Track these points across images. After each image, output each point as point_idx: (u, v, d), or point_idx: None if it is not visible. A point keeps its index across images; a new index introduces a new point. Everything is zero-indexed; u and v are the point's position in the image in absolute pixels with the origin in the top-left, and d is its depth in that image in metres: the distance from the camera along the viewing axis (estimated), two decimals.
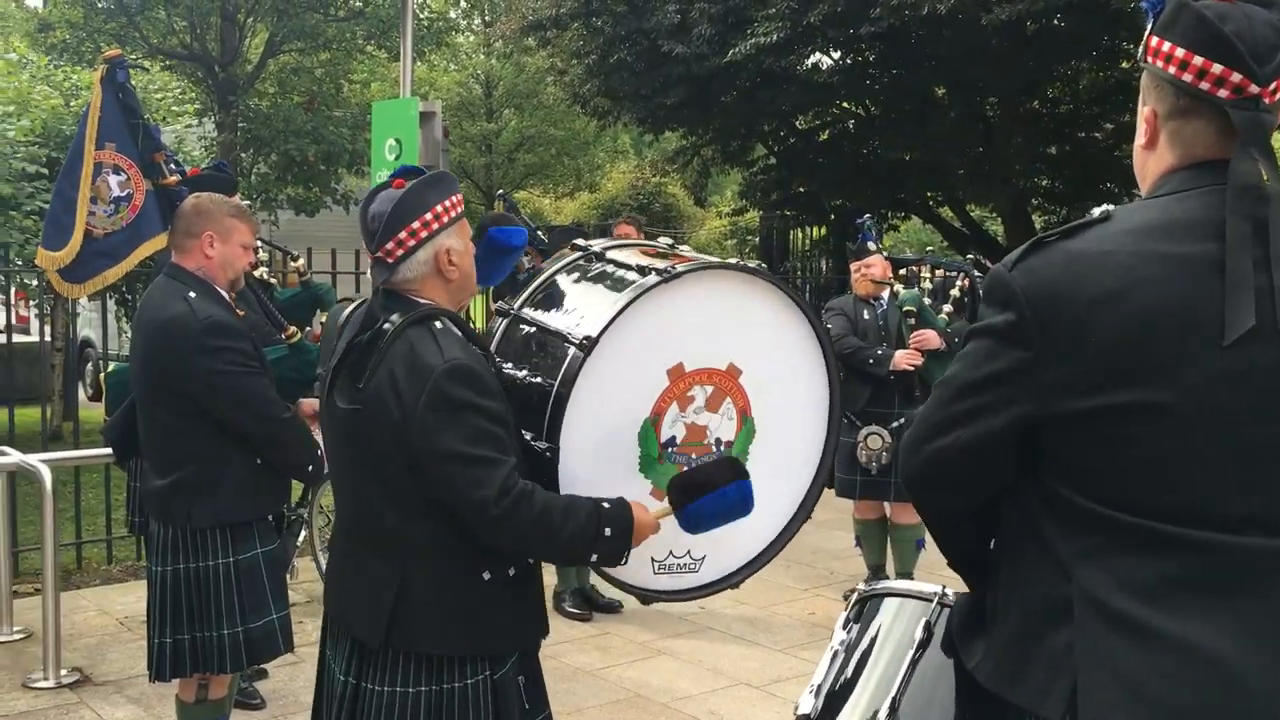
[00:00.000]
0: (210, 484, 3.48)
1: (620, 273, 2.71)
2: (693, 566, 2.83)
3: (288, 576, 4.27)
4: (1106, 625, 1.60)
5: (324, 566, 6.06)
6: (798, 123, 15.43)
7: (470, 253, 2.56)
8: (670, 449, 2.67)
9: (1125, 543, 1.61)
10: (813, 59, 13.83)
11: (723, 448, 2.74)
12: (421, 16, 15.38)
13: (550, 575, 6.19)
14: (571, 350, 2.51)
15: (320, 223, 15.16)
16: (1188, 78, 1.63)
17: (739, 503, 2.55)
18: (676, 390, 2.68)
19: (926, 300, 6.31)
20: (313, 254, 6.39)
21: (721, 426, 2.74)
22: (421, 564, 2.38)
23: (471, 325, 2.67)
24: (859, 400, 6.04)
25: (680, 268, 2.60)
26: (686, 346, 2.68)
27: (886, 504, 6.20)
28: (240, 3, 14.31)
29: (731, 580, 2.89)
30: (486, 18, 25.32)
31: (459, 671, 2.39)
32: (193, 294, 3.49)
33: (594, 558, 2.43)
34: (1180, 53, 1.63)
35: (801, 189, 15.00)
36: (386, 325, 2.41)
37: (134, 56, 13.04)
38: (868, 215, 6.64)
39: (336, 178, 15.13)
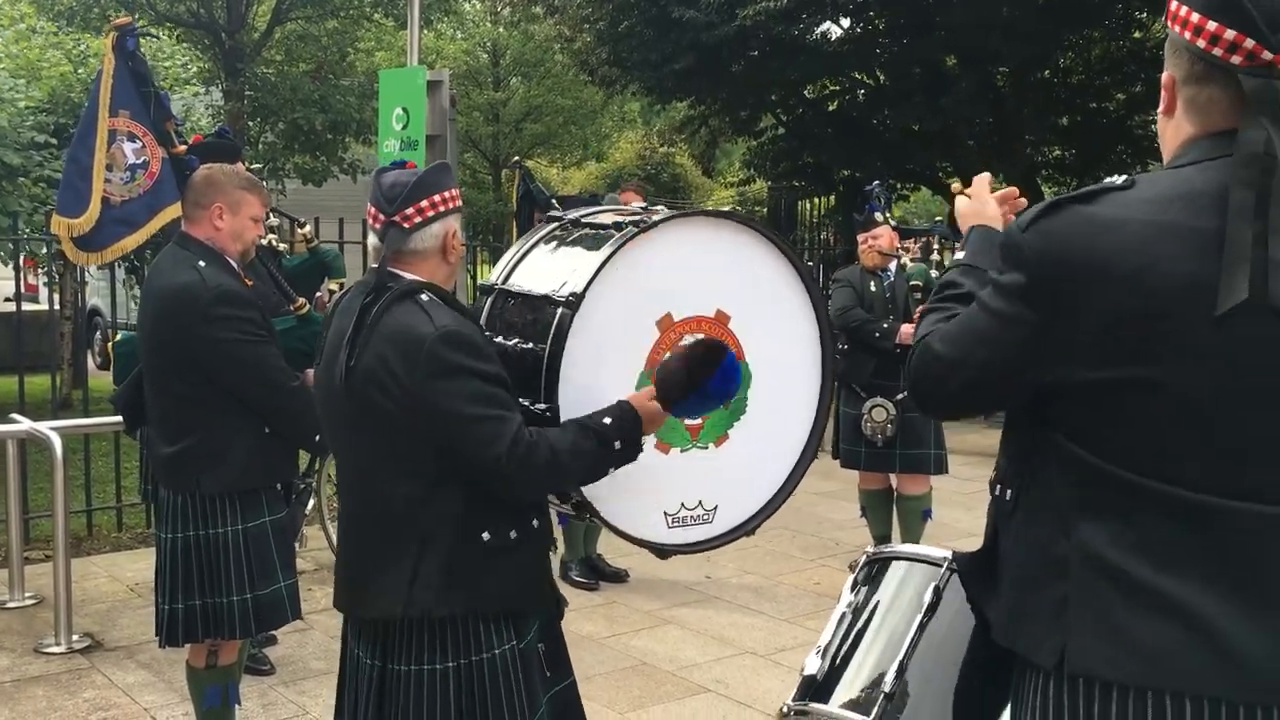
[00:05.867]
0: (219, 452, 3.49)
1: (597, 232, 2.73)
2: (706, 518, 2.85)
3: (296, 545, 4.30)
4: (1103, 579, 1.62)
5: (333, 536, 6.12)
6: (807, 92, 15.36)
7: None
8: None
9: (1128, 500, 1.62)
10: (822, 27, 13.76)
11: None
12: None
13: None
14: (559, 310, 2.54)
15: (328, 192, 15.14)
16: (1202, 43, 1.61)
17: (722, 385, 2.56)
18: (668, 341, 2.70)
19: (934, 274, 6.29)
20: (320, 223, 6.39)
21: None
22: (436, 536, 2.40)
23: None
24: (864, 372, 6.04)
25: (655, 218, 2.64)
26: (672, 297, 2.70)
27: (892, 475, 6.21)
28: None
29: (746, 528, 2.89)
30: None
31: (485, 643, 2.42)
32: (202, 263, 3.49)
33: (612, 469, 2.48)
34: (1196, 18, 1.61)
35: (810, 159, 14.95)
36: (375, 305, 2.44)
37: (141, 23, 12.98)
38: (876, 183, 6.59)
39: (344, 147, 15.10)
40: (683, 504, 2.81)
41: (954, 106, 12.43)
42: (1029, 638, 1.70)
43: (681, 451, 2.77)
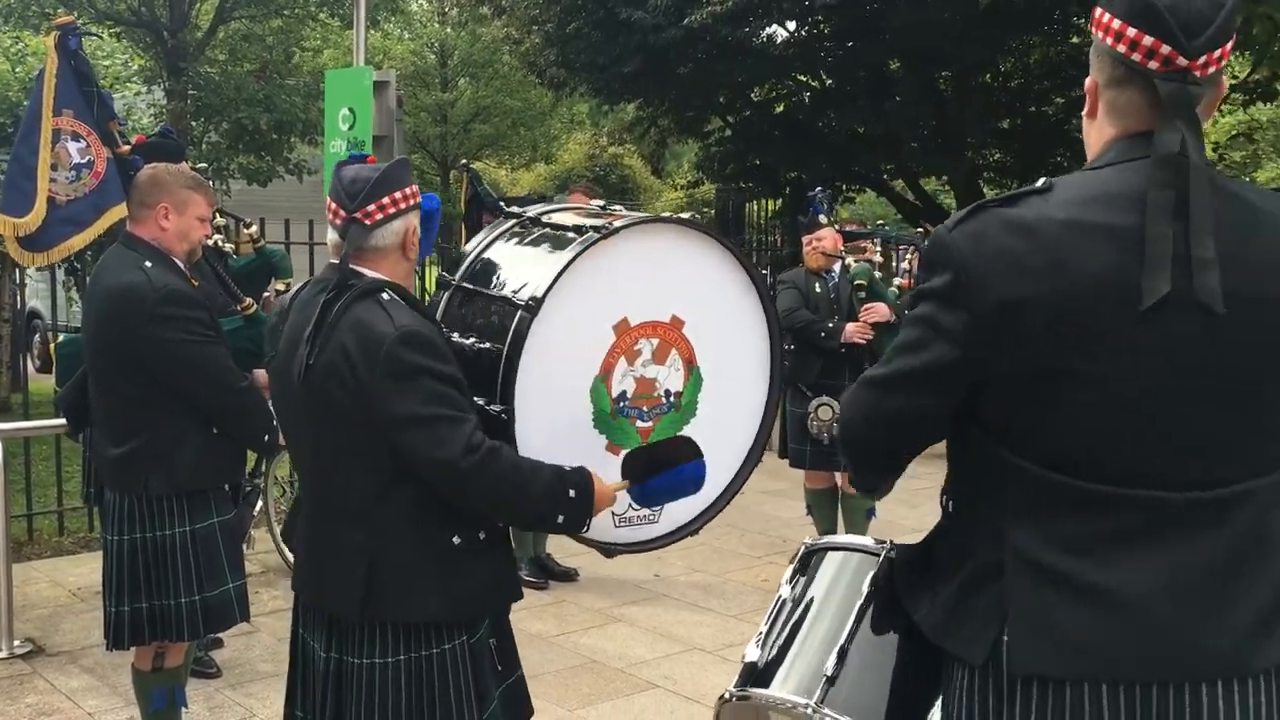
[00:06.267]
0: (166, 453, 3.48)
1: (558, 234, 2.76)
2: (652, 518, 2.90)
3: (245, 547, 4.29)
4: (1038, 580, 1.68)
5: (280, 537, 6.08)
6: (754, 95, 15.47)
7: None
8: (622, 404, 2.74)
9: (1060, 501, 1.68)
10: (769, 30, 13.88)
11: (672, 398, 2.81)
12: None
13: None
14: (518, 313, 2.57)
15: (273, 192, 14.98)
16: (1121, 48, 1.67)
17: (692, 481, 2.65)
18: (623, 345, 2.75)
19: (877, 274, 6.39)
20: (265, 224, 6.35)
21: (670, 378, 2.81)
22: (393, 534, 2.42)
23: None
24: (811, 372, 6.12)
25: (617, 224, 2.67)
26: (629, 301, 2.74)
27: (837, 474, 6.30)
28: None
29: (690, 528, 2.95)
30: None
31: (436, 638, 2.45)
32: (148, 263, 3.48)
33: (560, 519, 2.48)
34: (1117, 24, 1.68)
35: (757, 161, 15.06)
36: (336, 302, 2.45)
37: (81, 21, 12.77)
38: (820, 188, 6.70)
39: (289, 147, 14.97)
40: (630, 504, 2.85)
41: (897, 110, 12.59)
42: (961, 638, 1.75)
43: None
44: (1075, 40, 13.96)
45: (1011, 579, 1.70)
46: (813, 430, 6.09)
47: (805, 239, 6.39)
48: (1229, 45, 1.66)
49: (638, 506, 2.87)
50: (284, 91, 14.16)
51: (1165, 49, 1.64)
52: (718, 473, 2.96)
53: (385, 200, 2.49)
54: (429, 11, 25.76)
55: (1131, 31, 1.66)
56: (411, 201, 2.55)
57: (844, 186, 15.49)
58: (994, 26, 12.23)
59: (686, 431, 2.88)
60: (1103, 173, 1.71)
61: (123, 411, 3.53)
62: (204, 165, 12.56)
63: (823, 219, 6.33)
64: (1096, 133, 1.78)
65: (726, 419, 2.93)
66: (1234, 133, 16.43)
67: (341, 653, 2.47)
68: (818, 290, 6.24)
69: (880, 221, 14.48)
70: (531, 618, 5.59)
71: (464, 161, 7.23)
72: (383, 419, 2.35)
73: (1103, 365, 1.63)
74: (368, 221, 2.48)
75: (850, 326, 6.02)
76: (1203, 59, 1.64)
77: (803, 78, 14.94)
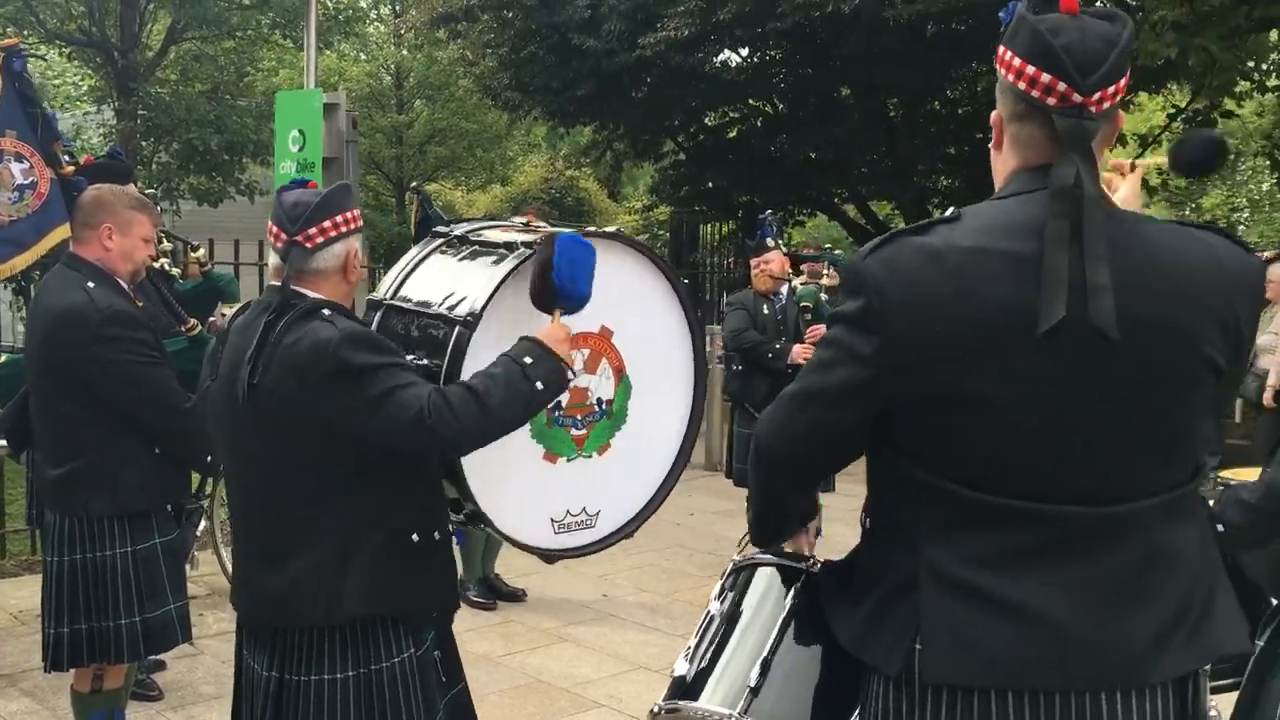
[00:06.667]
0: (108, 474, 3.48)
1: (489, 250, 2.83)
2: (589, 523, 2.98)
3: (188, 568, 4.28)
4: (949, 594, 1.75)
5: (225, 558, 6.05)
6: (707, 119, 15.65)
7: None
8: (557, 413, 2.82)
9: (969, 517, 1.76)
10: (721, 56, 14.06)
11: (604, 405, 2.92)
12: (329, 5, 15.19)
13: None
14: (456, 328, 2.63)
15: (224, 213, 14.92)
16: (1022, 85, 1.76)
17: (574, 253, 2.58)
18: None
19: (823, 296, 6.50)
20: (215, 245, 6.35)
21: (601, 386, 2.91)
22: (352, 535, 2.45)
23: None
24: (758, 393, 6.21)
25: (542, 241, 2.74)
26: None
27: None
28: None
29: (626, 530, 3.05)
30: (396, 7, 25.08)
31: (384, 652, 2.48)
32: (91, 284, 3.48)
33: (540, 387, 2.48)
34: (1018, 62, 1.77)
35: (710, 184, 15.23)
36: (279, 322, 2.49)
37: (30, 41, 12.70)
38: (769, 212, 6.83)
39: (241, 168, 14.94)
40: (568, 510, 2.93)
41: (848, 136, 12.79)
42: (878, 649, 1.82)
43: (568, 461, 2.89)
44: None
45: (925, 592, 1.77)
46: None
47: (753, 262, 6.50)
48: (1122, 82, 1.75)
49: (575, 511, 2.93)
50: (235, 112, 14.14)
51: (1062, 86, 1.72)
52: (649, 476, 3.08)
53: (326, 224, 2.54)
54: (385, 34, 25.78)
55: (1031, 69, 1.74)
56: (353, 225, 2.61)
57: (796, 210, 15.69)
58: (941, 55, 12.49)
59: (619, 438, 2.97)
60: (1006, 203, 1.80)
61: (66, 432, 3.52)
62: (152, 190, 12.50)
63: (770, 242, 6.44)
64: (1001, 164, 1.87)
65: (655, 424, 3.06)
66: None
67: (284, 671, 2.49)
68: (765, 312, 6.34)
69: (828, 245, 14.66)
70: (478, 638, 5.60)
71: (415, 184, 7.28)
72: (341, 416, 2.39)
73: (1006, 388, 1.70)
74: (309, 245, 2.53)
75: (796, 348, 6.12)
76: (1097, 95, 1.73)
77: (755, 103, 15.13)
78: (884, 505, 1.89)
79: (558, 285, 2.56)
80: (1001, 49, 1.82)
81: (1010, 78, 1.79)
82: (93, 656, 3.53)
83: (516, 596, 6.28)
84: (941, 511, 1.77)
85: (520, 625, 5.90)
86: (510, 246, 2.77)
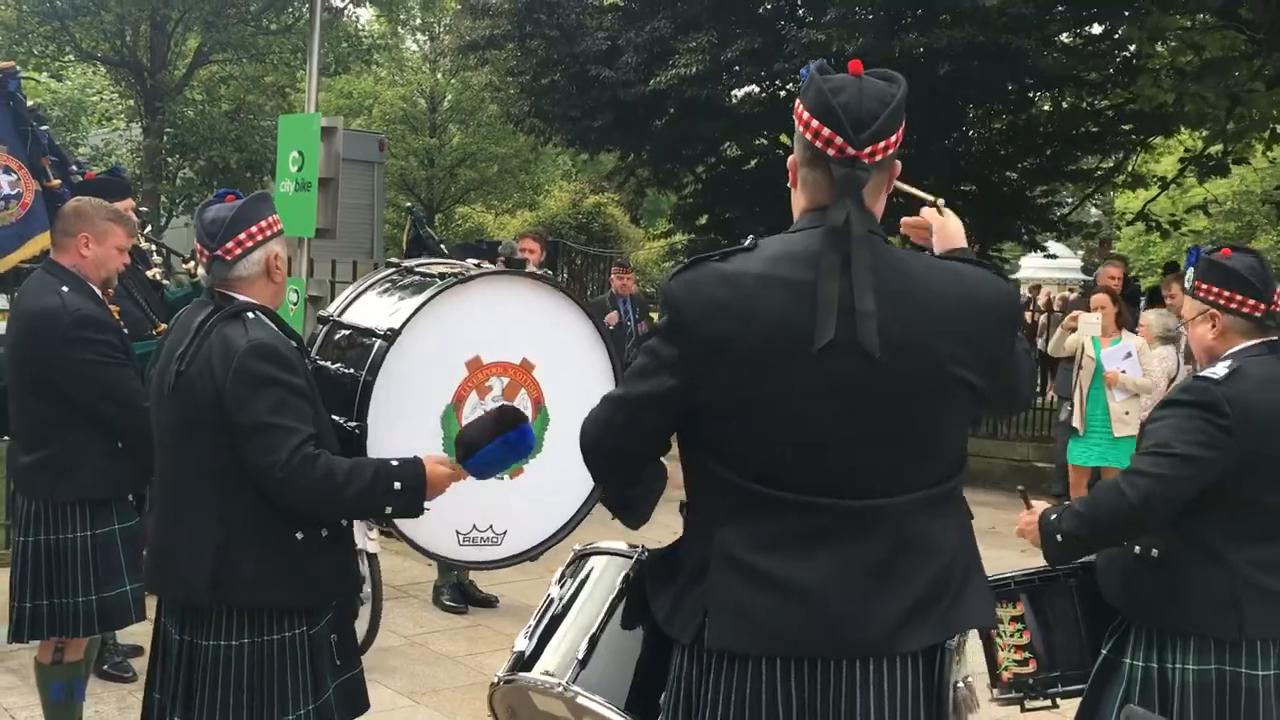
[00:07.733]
0: (72, 463, 3.79)
1: (424, 280, 3.12)
2: (495, 540, 3.22)
3: (145, 552, 4.57)
4: (733, 573, 2.02)
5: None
6: (727, 150, 15.91)
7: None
8: None
9: (755, 507, 2.02)
10: (738, 91, 14.32)
11: None
12: (351, 31, 15.66)
13: (432, 571, 6.51)
14: (377, 342, 2.91)
15: None
16: (809, 136, 2.03)
17: (518, 447, 2.80)
18: (475, 380, 3.08)
19: None
20: None
21: None
22: (241, 528, 2.72)
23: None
24: None
25: (473, 273, 3.02)
26: (482, 341, 3.09)
27: None
28: (170, 14, 14.59)
29: (530, 554, 3.28)
30: (430, 34, 25.64)
31: (277, 625, 2.74)
32: (65, 288, 3.80)
33: (389, 510, 2.75)
34: (806, 115, 2.04)
35: (726, 215, 15.47)
36: (209, 321, 2.77)
37: (67, 59, 13.25)
38: (751, 237, 7.02)
39: (260, 184, 15.44)
40: (474, 525, 3.17)
41: None
42: (679, 623, 2.09)
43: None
44: (1033, 111, 14.44)
45: (714, 572, 2.03)
46: None
47: None
48: (894, 138, 2.02)
49: (482, 528, 3.18)
50: (256, 132, 14.64)
51: (839, 140, 1.99)
52: (560, 506, 3.29)
53: (242, 235, 2.79)
54: (419, 57, 26.35)
55: (815, 123, 2.02)
56: (270, 232, 2.84)
57: None
58: (953, 94, 12.67)
59: (531, 466, 3.19)
60: (793, 236, 2.07)
61: (36, 424, 3.84)
62: (173, 204, 12.75)
63: None
64: (795, 202, 2.14)
65: (571, 457, 3.22)
66: (1191, 205, 16.92)
67: (194, 635, 2.77)
68: None
69: None
70: (444, 639, 5.85)
71: (409, 204, 7.59)
72: (231, 422, 2.66)
73: (782, 396, 1.97)
74: (228, 257, 2.80)
75: None
76: (869, 149, 1.99)
77: (769, 137, 15.37)
78: (693, 496, 2.15)
79: (472, 461, 2.75)
80: (797, 103, 2.08)
81: (801, 129, 2.06)
82: (53, 630, 3.83)
83: (489, 602, 6.51)
84: (730, 501, 2.04)
85: (488, 629, 6.13)
86: (442, 277, 3.07)
